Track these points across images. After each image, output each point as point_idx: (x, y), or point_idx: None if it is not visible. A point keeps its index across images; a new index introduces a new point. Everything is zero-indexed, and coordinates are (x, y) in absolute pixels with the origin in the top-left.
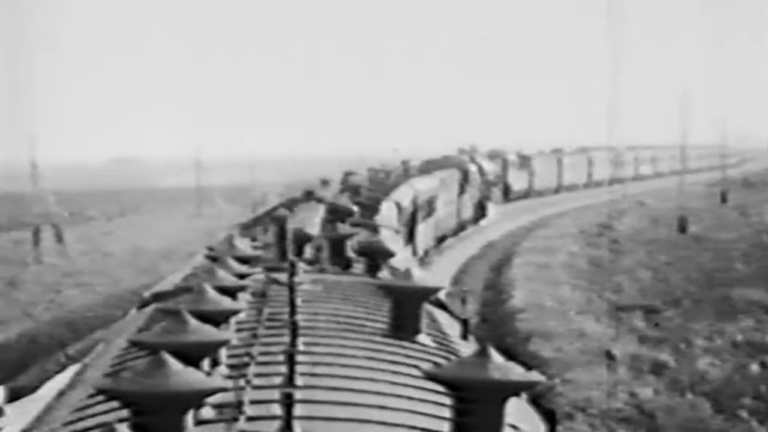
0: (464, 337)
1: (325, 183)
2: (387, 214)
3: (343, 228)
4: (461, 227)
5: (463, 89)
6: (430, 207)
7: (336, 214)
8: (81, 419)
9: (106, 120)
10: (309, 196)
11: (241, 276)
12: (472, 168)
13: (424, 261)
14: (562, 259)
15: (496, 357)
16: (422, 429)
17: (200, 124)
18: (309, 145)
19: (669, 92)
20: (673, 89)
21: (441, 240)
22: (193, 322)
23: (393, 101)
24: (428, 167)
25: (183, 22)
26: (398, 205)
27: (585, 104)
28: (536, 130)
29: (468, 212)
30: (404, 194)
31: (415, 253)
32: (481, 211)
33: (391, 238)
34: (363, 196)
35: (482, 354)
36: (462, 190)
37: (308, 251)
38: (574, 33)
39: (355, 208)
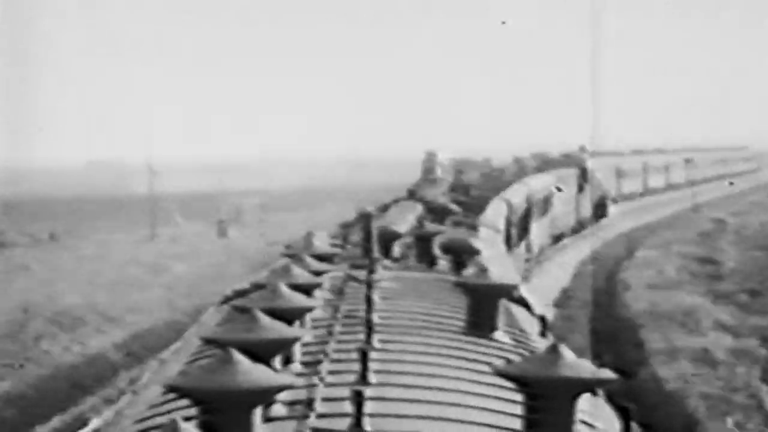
0: (543, 334)
1: (433, 181)
2: (494, 213)
3: (430, 226)
4: (581, 226)
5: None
6: (545, 205)
7: (435, 213)
8: (154, 416)
9: (87, 120)
10: (411, 195)
11: (318, 273)
12: (592, 166)
13: (536, 260)
14: (678, 262)
15: (568, 354)
16: (494, 426)
17: (171, 125)
18: (281, 147)
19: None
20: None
21: (558, 238)
22: (265, 319)
23: (376, 98)
24: (545, 165)
25: (164, 22)
26: (509, 204)
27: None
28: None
29: (587, 211)
30: (517, 192)
31: (528, 250)
32: (601, 209)
33: (489, 237)
34: (472, 195)
35: (553, 351)
36: (581, 189)
37: (396, 249)
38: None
39: (456, 207)
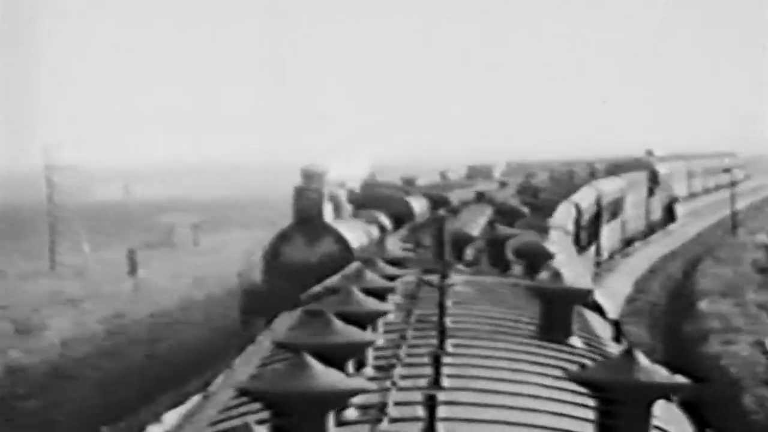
0: (617, 339)
1: (503, 184)
2: (562, 216)
3: (503, 229)
4: (651, 230)
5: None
6: (616, 209)
7: (504, 215)
8: (227, 419)
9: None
10: (480, 197)
11: (392, 278)
12: (662, 170)
13: (606, 264)
14: (747, 271)
15: (643, 359)
16: (567, 431)
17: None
18: (195, 152)
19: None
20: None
21: (629, 242)
22: (338, 323)
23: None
24: (615, 169)
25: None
26: (577, 207)
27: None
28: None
29: (657, 214)
30: (586, 196)
31: (599, 254)
32: (669, 213)
33: (559, 241)
34: (541, 197)
35: (628, 356)
36: (651, 192)
37: (469, 252)
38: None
39: (526, 210)
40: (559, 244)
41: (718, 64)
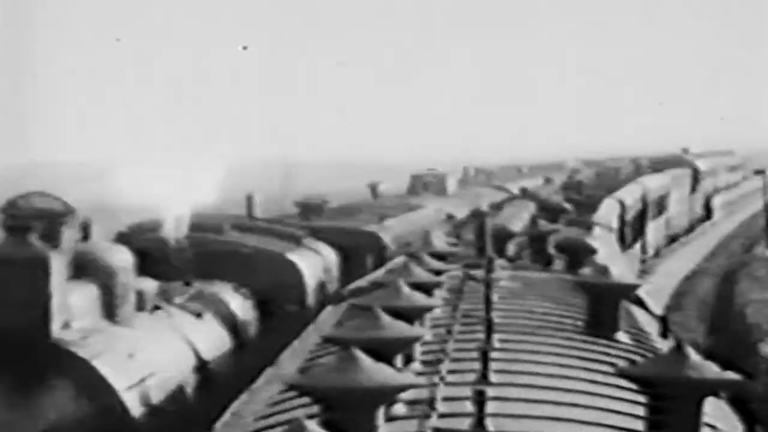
0: (664, 335)
1: (548, 180)
2: (606, 212)
3: (545, 225)
4: (692, 227)
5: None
6: (660, 205)
7: (547, 211)
8: (274, 414)
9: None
10: (524, 193)
11: (438, 272)
12: (703, 167)
13: (652, 261)
14: None
15: (693, 355)
16: (616, 427)
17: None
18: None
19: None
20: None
21: (673, 239)
22: (386, 318)
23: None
24: (659, 165)
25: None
26: (621, 203)
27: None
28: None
29: (699, 211)
30: (631, 192)
31: (644, 251)
32: (707, 210)
33: (603, 237)
34: (585, 193)
35: (678, 352)
36: (693, 189)
37: (511, 248)
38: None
39: (569, 206)
40: (601, 239)
41: (708, 60)
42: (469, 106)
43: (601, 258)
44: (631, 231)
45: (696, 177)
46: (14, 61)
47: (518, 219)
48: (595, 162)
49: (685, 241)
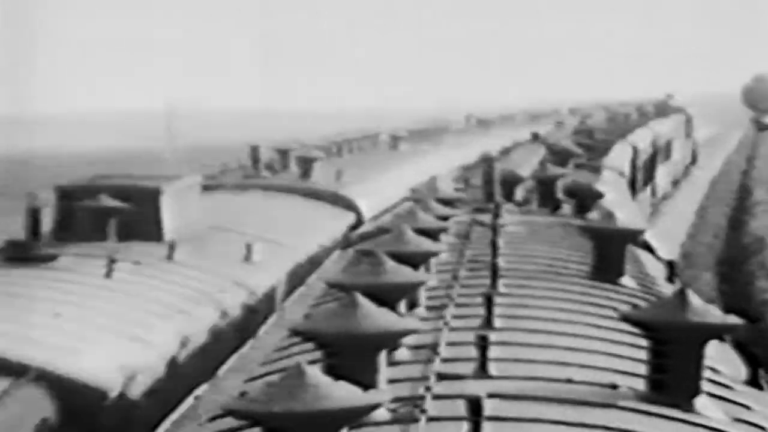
0: (670, 280)
1: (559, 124)
2: (618, 156)
3: (553, 169)
4: (687, 171)
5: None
6: (668, 150)
7: (557, 155)
8: (278, 360)
9: None
10: (535, 138)
11: (444, 218)
12: (694, 112)
13: (661, 205)
14: None
15: (695, 299)
16: (620, 371)
17: None
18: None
19: None
20: None
21: (675, 184)
22: (390, 263)
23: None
24: (663, 111)
25: None
26: (634, 148)
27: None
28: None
29: (689, 156)
30: (642, 136)
31: (654, 195)
32: (692, 156)
33: (613, 181)
34: (596, 138)
35: (680, 296)
36: (688, 135)
37: (519, 193)
38: None
39: (579, 150)
40: (611, 184)
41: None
42: (452, 54)
43: (609, 202)
44: (642, 175)
45: (689, 123)
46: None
47: (528, 163)
48: (605, 107)
49: (685, 184)
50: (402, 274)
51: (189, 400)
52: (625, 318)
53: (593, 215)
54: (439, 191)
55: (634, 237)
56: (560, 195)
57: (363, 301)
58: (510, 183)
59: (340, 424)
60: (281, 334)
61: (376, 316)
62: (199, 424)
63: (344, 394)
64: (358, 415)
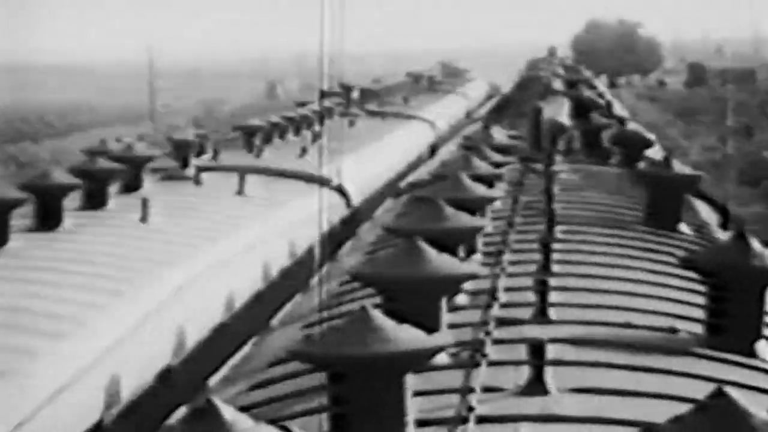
0: (724, 226)
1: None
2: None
3: (597, 119)
4: None
5: None
6: None
7: (581, 107)
8: (339, 304)
9: None
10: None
11: (498, 165)
12: None
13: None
14: None
15: (755, 244)
16: (679, 316)
17: None
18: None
19: None
20: None
21: None
22: (449, 209)
23: None
24: None
25: None
26: None
27: None
28: None
29: None
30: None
31: None
32: None
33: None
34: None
35: (740, 240)
36: None
37: (560, 143)
38: None
39: (602, 102)
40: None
41: None
42: None
43: (656, 151)
44: None
45: None
46: None
47: (563, 114)
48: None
49: None
50: (461, 219)
51: (245, 348)
52: (683, 263)
53: (641, 164)
54: (492, 138)
55: (690, 184)
56: (607, 144)
57: (424, 246)
58: (554, 132)
59: (405, 368)
60: (336, 281)
61: (437, 261)
62: (256, 371)
63: (409, 337)
64: (423, 358)
